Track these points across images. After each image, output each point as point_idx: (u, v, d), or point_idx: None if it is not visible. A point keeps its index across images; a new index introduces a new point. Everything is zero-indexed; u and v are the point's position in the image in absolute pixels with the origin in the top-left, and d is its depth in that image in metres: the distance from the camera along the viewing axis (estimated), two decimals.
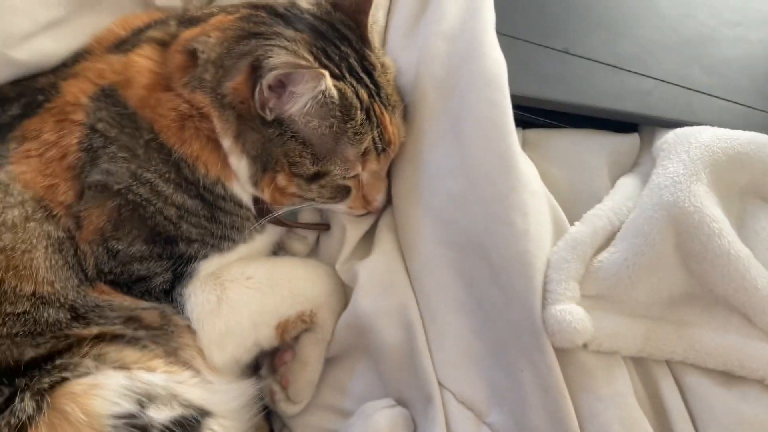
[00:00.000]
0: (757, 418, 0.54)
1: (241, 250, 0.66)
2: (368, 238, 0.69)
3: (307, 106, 0.58)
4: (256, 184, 0.63)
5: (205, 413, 0.57)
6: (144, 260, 0.61)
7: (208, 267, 0.64)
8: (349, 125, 0.60)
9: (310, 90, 0.57)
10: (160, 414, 0.54)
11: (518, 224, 0.58)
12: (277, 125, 0.60)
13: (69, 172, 0.60)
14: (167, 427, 0.54)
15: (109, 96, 0.62)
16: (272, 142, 0.60)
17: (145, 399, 0.54)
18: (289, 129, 0.60)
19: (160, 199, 0.61)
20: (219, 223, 0.63)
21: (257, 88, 0.57)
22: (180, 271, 0.63)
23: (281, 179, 0.62)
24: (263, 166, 0.62)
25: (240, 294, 0.64)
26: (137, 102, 0.61)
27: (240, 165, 0.62)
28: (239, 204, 0.65)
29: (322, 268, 0.69)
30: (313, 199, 0.65)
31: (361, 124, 0.61)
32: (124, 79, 0.62)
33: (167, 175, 0.61)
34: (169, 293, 0.63)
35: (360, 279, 0.64)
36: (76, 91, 0.63)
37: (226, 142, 0.61)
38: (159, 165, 0.61)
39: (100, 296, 0.60)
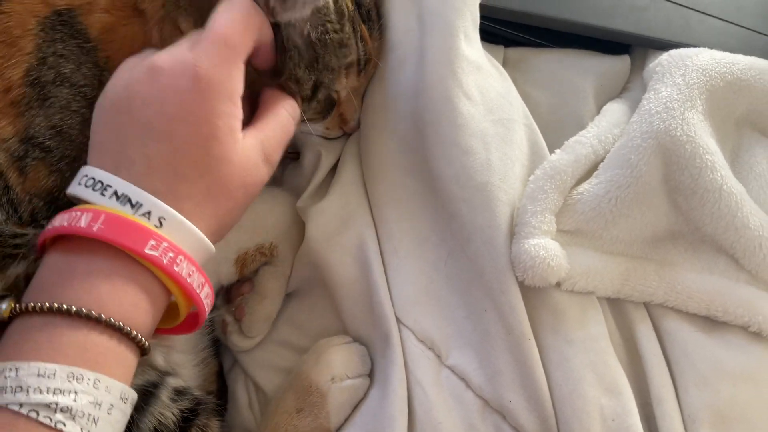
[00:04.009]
0: (738, 366, 0.51)
1: None
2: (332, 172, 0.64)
3: (308, 11, 0.52)
4: None
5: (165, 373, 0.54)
6: None
7: None
8: (337, 35, 0.55)
9: None
10: None
11: (479, 153, 0.53)
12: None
13: (12, 108, 0.52)
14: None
15: (66, 23, 0.53)
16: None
17: None
18: (290, 38, 0.53)
19: None
20: None
21: None
22: None
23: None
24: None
25: None
26: (100, 31, 0.53)
27: None
28: None
29: (285, 197, 0.64)
30: (310, 120, 0.59)
31: (348, 35, 0.56)
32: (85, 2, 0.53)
33: None
34: None
35: (311, 214, 0.59)
36: (23, 11, 0.54)
37: None
38: None
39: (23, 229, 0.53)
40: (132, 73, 0.48)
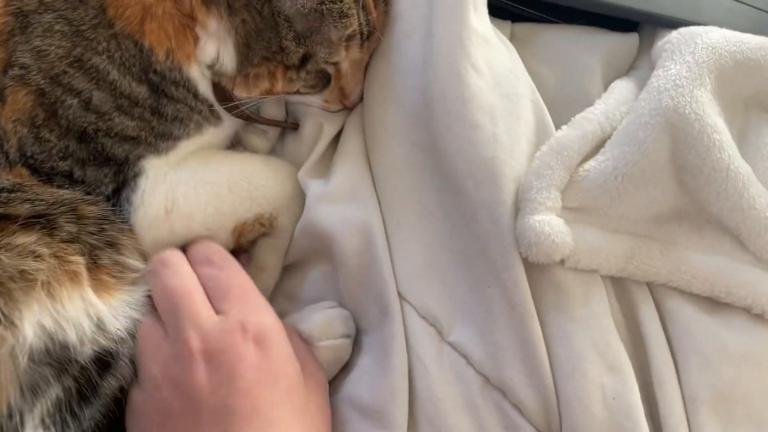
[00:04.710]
0: (740, 348, 0.50)
1: (186, 146, 0.59)
2: (334, 144, 0.63)
3: None
4: (243, 75, 0.57)
5: None
6: (78, 162, 0.55)
7: (151, 168, 0.57)
8: (336, 5, 0.55)
9: None
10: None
11: (486, 127, 0.52)
12: (266, 2, 0.53)
13: None
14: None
15: None
16: (263, 22, 0.54)
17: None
18: (276, 7, 0.54)
19: (102, 87, 0.53)
20: (161, 115, 0.56)
21: None
22: (122, 178, 0.56)
23: (278, 73, 0.56)
24: (253, 56, 0.55)
25: (195, 204, 0.57)
26: None
27: (223, 54, 0.56)
28: (194, 93, 0.57)
29: (285, 168, 0.63)
30: (296, 91, 0.59)
31: (348, 5, 0.55)
32: None
33: (113, 56, 0.53)
34: (112, 199, 0.56)
35: (312, 186, 0.58)
36: None
37: (207, 27, 0.54)
38: (103, 44, 0.53)
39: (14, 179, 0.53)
40: (170, 369, 0.48)
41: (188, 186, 0.57)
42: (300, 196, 0.61)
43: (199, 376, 0.47)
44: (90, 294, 0.50)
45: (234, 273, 0.54)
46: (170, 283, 0.51)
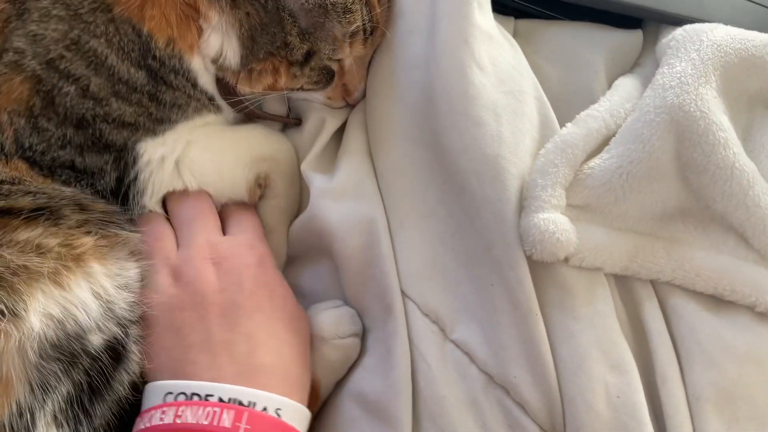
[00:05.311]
0: (744, 346, 0.50)
1: (184, 126, 0.58)
2: (338, 140, 0.63)
3: None
4: (246, 70, 0.56)
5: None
6: (77, 148, 0.54)
7: (147, 150, 0.57)
8: (340, 1, 0.54)
9: None
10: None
11: (490, 125, 0.52)
12: None
13: None
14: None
15: None
16: (268, 16, 0.54)
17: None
18: (281, 1, 0.54)
19: (100, 73, 0.53)
20: (159, 102, 0.55)
21: None
22: (122, 164, 0.56)
23: (282, 68, 0.56)
24: (258, 51, 0.55)
25: (205, 183, 0.59)
26: None
27: (227, 48, 0.55)
28: (193, 83, 0.57)
29: (282, 136, 0.64)
30: (300, 87, 0.59)
31: (352, 2, 0.55)
32: None
33: (111, 40, 0.53)
34: (116, 190, 0.56)
35: (316, 180, 0.58)
36: None
37: (209, 20, 0.54)
38: (101, 27, 0.52)
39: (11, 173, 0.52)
40: (182, 271, 0.53)
41: (193, 161, 0.58)
42: (293, 158, 0.62)
43: (209, 276, 0.52)
44: (94, 267, 0.50)
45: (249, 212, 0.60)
46: (190, 201, 0.58)
